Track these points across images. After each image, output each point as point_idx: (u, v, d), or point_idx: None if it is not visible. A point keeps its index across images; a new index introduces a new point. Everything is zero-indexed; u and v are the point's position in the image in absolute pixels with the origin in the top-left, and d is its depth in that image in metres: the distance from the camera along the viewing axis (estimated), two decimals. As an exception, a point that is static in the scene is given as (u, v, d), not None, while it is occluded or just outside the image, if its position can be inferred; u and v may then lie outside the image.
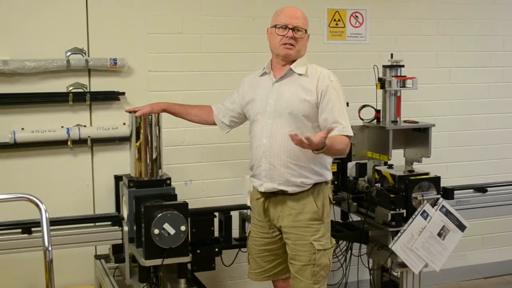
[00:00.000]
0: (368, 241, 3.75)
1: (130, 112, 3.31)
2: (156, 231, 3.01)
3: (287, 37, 2.96)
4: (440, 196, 3.60)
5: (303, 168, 2.97)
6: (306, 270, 2.98)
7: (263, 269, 3.19)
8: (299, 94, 2.96)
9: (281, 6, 3.10)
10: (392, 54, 3.77)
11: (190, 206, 3.17)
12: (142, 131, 3.29)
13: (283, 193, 3.02)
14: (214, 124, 3.38)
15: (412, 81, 3.69)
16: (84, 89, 3.69)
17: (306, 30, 3.01)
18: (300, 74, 2.99)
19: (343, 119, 2.91)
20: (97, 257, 3.73)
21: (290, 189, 2.99)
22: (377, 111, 3.79)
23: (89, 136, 3.67)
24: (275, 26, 3.01)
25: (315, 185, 3.01)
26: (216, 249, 3.43)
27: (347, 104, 3.07)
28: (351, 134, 2.94)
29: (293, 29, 2.96)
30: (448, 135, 4.61)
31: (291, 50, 2.98)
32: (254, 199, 3.18)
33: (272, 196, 3.06)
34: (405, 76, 3.71)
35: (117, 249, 3.44)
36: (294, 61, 3.02)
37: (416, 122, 3.76)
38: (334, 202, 3.24)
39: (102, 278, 3.48)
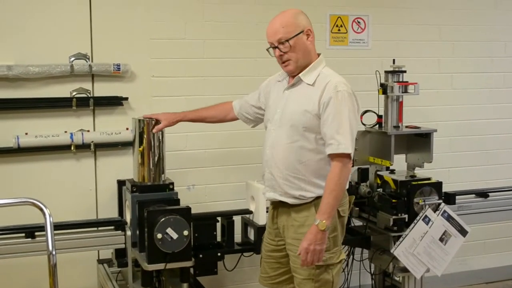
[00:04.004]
0: (370, 246, 3.76)
1: (149, 118, 3.30)
2: (159, 236, 3.02)
3: (277, 57, 2.86)
4: (441, 201, 3.61)
5: (303, 181, 2.85)
6: (306, 285, 2.88)
7: (268, 275, 3.12)
8: (302, 104, 2.83)
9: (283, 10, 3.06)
10: (394, 60, 3.78)
11: (193, 211, 3.19)
12: (145, 136, 3.31)
13: (287, 203, 2.92)
14: (233, 120, 3.32)
15: (414, 87, 3.70)
16: (88, 94, 3.71)
17: (292, 37, 2.79)
18: (308, 84, 2.86)
19: (341, 134, 2.72)
20: (100, 261, 3.73)
21: (290, 201, 2.89)
22: (379, 116, 3.80)
23: (92, 141, 3.69)
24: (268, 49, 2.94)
25: (319, 197, 2.82)
26: (219, 254, 3.45)
27: (364, 112, 2.88)
28: (347, 151, 2.72)
29: (277, 46, 2.82)
30: (449, 140, 4.62)
31: (289, 66, 2.85)
32: (269, 205, 3.12)
33: (280, 205, 2.98)
34: (407, 82, 3.72)
35: (120, 254, 3.45)
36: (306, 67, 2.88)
37: (418, 127, 3.76)
38: (343, 215, 2.94)
39: (105, 282, 3.48)
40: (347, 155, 2.74)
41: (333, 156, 2.76)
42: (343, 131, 2.73)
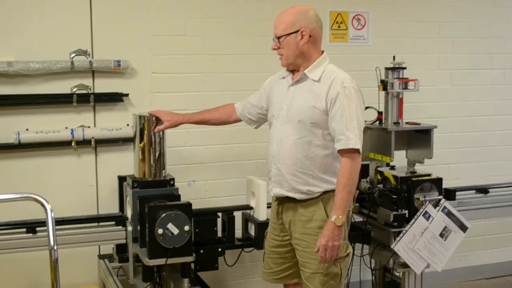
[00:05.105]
0: (370, 241, 3.77)
1: (150, 114, 3.31)
2: (160, 231, 3.03)
3: (273, 49, 2.95)
4: (442, 197, 3.62)
5: (310, 177, 2.88)
6: (315, 279, 2.91)
7: (271, 270, 3.13)
8: (308, 100, 2.85)
9: (284, 8, 3.04)
10: (394, 56, 3.77)
11: (193, 207, 3.19)
12: (146, 132, 3.31)
13: (293, 198, 2.94)
14: (236, 122, 3.34)
15: (414, 83, 3.70)
16: (88, 90, 3.71)
17: (284, 35, 2.87)
18: (313, 80, 2.89)
19: (350, 130, 2.76)
20: (101, 256, 3.74)
21: (298, 196, 2.91)
22: (379, 113, 3.80)
23: (93, 137, 3.70)
24: None
25: (326, 192, 2.90)
26: (219, 249, 3.46)
27: (364, 109, 2.91)
28: (356, 147, 2.76)
29: (274, 40, 2.92)
30: (449, 137, 4.63)
31: (281, 61, 2.94)
32: (273, 200, 3.13)
33: (286, 201, 2.99)
34: (407, 78, 3.72)
35: (121, 249, 3.47)
36: (306, 65, 2.92)
37: (418, 124, 3.77)
38: (349, 209, 2.88)
39: (106, 277, 3.49)
40: (357, 150, 2.78)
41: (343, 152, 2.80)
42: (352, 127, 2.77)
